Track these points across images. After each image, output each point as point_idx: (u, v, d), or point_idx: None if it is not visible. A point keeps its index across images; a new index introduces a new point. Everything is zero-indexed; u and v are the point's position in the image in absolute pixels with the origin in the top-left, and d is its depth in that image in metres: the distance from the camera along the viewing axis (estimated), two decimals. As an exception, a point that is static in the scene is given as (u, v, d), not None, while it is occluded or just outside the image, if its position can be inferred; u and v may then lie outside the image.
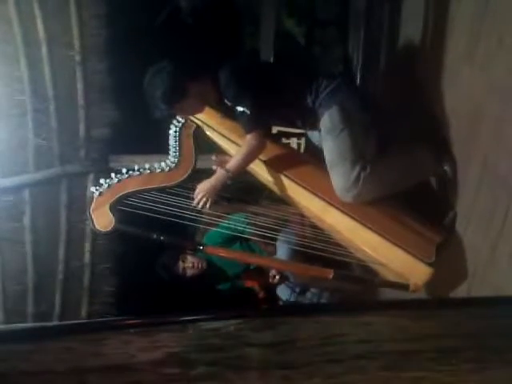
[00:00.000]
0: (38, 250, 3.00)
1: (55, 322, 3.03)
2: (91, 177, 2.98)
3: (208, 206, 1.99)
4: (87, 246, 3.09)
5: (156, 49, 3.22)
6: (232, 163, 2.00)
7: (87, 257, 3.11)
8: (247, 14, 3.81)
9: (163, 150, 2.18)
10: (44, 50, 2.74)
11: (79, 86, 2.85)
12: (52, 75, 2.80)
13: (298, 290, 2.70)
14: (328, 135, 2.02)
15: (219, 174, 2.01)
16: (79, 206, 2.97)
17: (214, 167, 2.12)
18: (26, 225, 2.95)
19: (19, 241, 2.96)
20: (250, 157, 2.00)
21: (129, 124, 2.91)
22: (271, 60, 3.31)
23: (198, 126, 2.19)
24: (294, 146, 2.82)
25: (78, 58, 2.81)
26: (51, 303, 3.09)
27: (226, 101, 2.02)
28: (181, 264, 2.71)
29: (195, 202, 1.99)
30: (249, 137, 1.96)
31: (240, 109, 1.94)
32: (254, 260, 2.53)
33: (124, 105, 2.91)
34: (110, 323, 0.79)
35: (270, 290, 2.80)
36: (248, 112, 1.92)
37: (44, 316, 3.04)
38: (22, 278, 3.00)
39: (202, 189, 2.00)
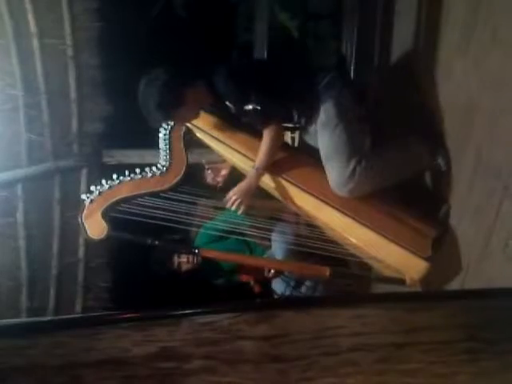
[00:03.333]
0: (31, 245, 2.98)
1: (49, 317, 3.02)
2: (84, 172, 2.97)
3: (243, 207, 2.00)
4: (81, 241, 3.08)
5: (149, 43, 3.21)
6: (259, 161, 2.01)
7: (81, 252, 3.10)
8: (241, 9, 3.79)
9: (156, 144, 2.17)
10: (35, 43, 2.72)
11: (71, 80, 2.83)
12: (44, 69, 2.78)
13: (293, 283, 2.71)
14: (323, 129, 2.02)
15: (251, 175, 2.02)
16: (72, 200, 2.95)
17: (209, 180, 2.12)
18: (19, 220, 2.93)
19: (12, 236, 2.95)
20: (273, 149, 2.02)
21: (122, 118, 2.89)
22: (265, 54, 3.30)
23: (188, 129, 2.17)
24: (288, 139, 2.81)
25: (69, 52, 2.78)
26: (45, 298, 3.08)
27: (228, 103, 2.01)
28: (176, 259, 2.71)
29: (229, 204, 1.99)
30: (266, 131, 1.98)
31: (249, 107, 1.93)
32: (250, 261, 2.52)
33: (117, 99, 2.89)
34: (104, 318, 0.78)
35: (266, 284, 2.80)
36: (259, 107, 1.92)
37: (38, 311, 3.03)
38: (15, 274, 2.99)
39: (237, 191, 2.01)
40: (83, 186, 2.95)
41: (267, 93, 1.96)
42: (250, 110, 1.95)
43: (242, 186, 2.02)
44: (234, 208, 2.00)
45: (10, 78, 2.75)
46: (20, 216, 2.93)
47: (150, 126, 1.96)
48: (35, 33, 2.70)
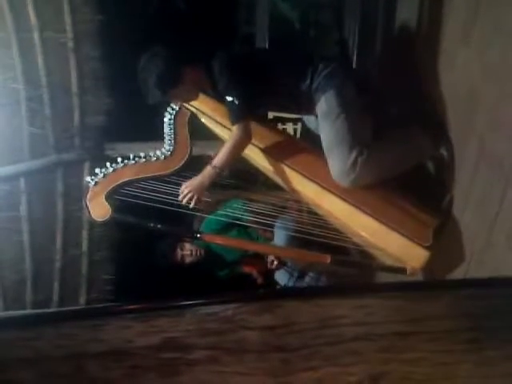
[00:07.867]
0: (35, 239, 3.00)
1: (53, 309, 3.04)
2: (87, 165, 2.97)
3: (193, 202, 1.96)
4: (84, 234, 3.09)
5: (150, 35, 3.19)
6: (218, 158, 1.95)
7: (85, 245, 3.11)
8: (241, 0, 3.76)
9: (159, 137, 2.17)
10: (36, 36, 2.71)
11: (73, 73, 2.82)
12: (45, 62, 2.77)
13: (296, 274, 2.72)
14: (325, 120, 2.01)
15: (206, 170, 1.97)
16: (75, 194, 2.96)
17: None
18: (23, 214, 2.94)
19: (16, 230, 2.96)
20: (236, 150, 1.96)
21: (124, 111, 2.89)
22: (266, 45, 3.28)
23: (192, 114, 2.17)
24: (291, 131, 2.81)
25: (71, 44, 2.77)
26: (50, 291, 3.10)
27: (219, 89, 2.01)
28: (179, 251, 2.72)
29: (180, 197, 1.95)
30: (235, 128, 1.94)
31: (229, 98, 1.92)
32: (252, 247, 2.54)
33: (118, 92, 2.89)
34: (108, 309, 0.79)
35: (269, 275, 2.81)
36: (237, 102, 1.90)
37: (43, 304, 3.05)
38: (19, 267, 3.01)
39: (189, 185, 1.96)
40: (86, 181, 2.95)
41: (251, 90, 1.93)
42: (229, 102, 1.92)
43: (194, 181, 1.97)
44: (185, 201, 1.95)
45: (11, 72, 2.74)
46: (23, 210, 2.94)
47: (148, 103, 1.93)
48: (36, 26, 2.69)
